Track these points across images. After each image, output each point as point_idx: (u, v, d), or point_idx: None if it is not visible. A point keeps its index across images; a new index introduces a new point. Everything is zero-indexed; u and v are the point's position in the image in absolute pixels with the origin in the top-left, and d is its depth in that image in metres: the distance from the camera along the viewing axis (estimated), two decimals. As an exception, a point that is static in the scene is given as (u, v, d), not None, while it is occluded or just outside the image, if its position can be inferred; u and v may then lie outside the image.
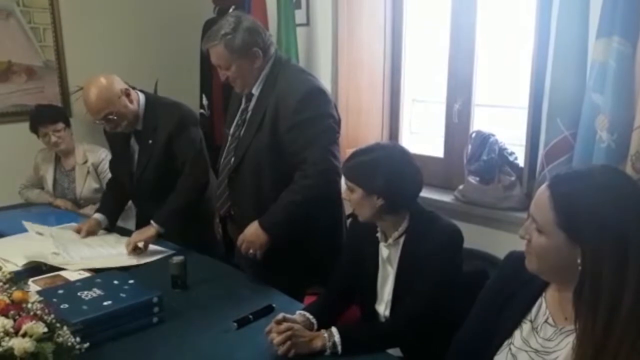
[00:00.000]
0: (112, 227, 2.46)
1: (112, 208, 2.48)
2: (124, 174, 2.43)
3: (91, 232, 2.35)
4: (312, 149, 1.92)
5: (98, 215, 2.42)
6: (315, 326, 1.61)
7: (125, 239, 2.27)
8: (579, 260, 1.04)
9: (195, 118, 2.42)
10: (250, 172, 2.03)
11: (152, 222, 2.21)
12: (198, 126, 2.40)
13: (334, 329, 1.51)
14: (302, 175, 1.93)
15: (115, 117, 2.18)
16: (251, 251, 1.97)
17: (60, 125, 2.92)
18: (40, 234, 2.28)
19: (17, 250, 2.11)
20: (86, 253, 2.16)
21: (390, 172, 1.58)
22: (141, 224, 2.51)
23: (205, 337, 1.59)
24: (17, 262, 2.02)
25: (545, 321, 1.18)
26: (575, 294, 1.05)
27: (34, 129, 2.93)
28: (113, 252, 2.21)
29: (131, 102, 2.24)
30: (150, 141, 2.30)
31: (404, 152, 1.65)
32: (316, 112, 1.94)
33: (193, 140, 2.31)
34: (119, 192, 2.50)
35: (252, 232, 1.96)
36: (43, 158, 3.06)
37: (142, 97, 2.31)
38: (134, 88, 2.32)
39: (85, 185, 2.97)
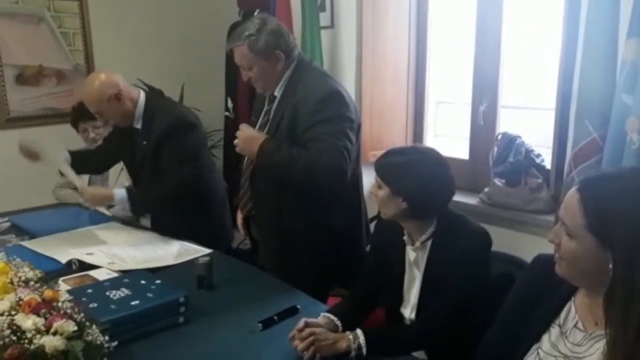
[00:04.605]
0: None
1: (79, 161, 2.52)
2: (123, 161, 2.59)
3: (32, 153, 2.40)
4: (325, 144, 1.88)
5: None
6: (340, 328, 1.59)
7: (170, 239, 2.31)
8: (610, 265, 1.02)
9: (190, 122, 2.37)
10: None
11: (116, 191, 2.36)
12: (195, 129, 2.37)
13: (359, 331, 1.50)
14: (318, 150, 1.88)
15: (102, 116, 2.36)
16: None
17: (99, 123, 2.97)
18: (90, 254, 2.23)
19: (64, 248, 2.16)
20: (136, 254, 2.19)
21: (420, 178, 1.56)
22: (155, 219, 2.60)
23: (230, 337, 1.60)
24: (61, 259, 2.07)
25: (575, 326, 1.16)
26: (606, 299, 1.03)
27: (74, 123, 2.99)
28: (162, 252, 2.22)
29: (122, 104, 2.31)
30: (145, 142, 2.37)
31: (438, 160, 1.62)
32: (333, 114, 1.92)
33: (179, 150, 2.31)
34: (93, 162, 2.62)
35: (250, 138, 1.98)
36: None
37: (142, 97, 2.37)
38: (150, 85, 2.36)
39: (117, 184, 3.02)
